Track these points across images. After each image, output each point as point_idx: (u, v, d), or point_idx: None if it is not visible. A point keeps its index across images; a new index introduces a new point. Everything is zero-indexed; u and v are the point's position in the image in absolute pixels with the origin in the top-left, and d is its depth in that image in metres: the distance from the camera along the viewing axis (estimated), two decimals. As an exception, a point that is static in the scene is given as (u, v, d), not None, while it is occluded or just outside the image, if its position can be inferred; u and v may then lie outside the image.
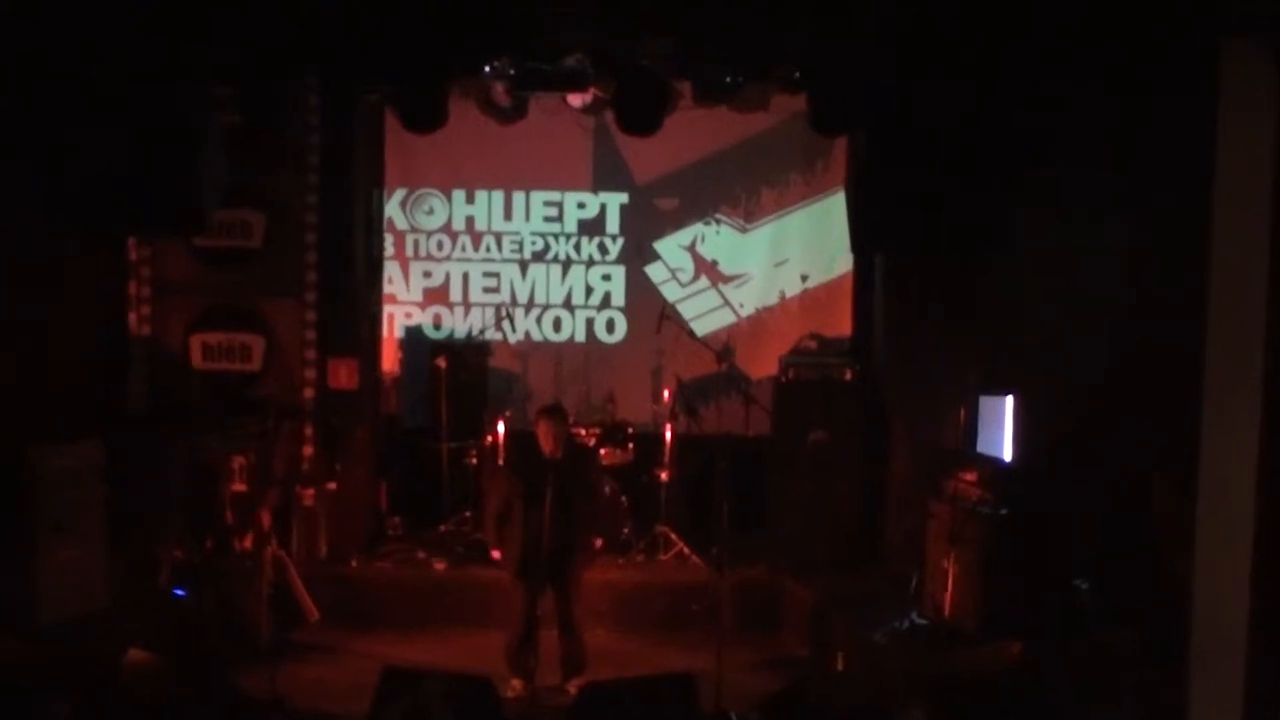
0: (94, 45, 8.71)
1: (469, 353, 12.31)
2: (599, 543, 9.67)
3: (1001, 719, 7.49)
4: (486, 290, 12.86)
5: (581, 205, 12.84)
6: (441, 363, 11.80)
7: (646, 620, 10.80)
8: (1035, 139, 9.04)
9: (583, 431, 11.44)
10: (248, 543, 10.73)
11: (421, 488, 12.03)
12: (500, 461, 11.27)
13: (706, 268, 12.81)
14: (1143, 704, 7.36)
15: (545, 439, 9.20)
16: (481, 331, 12.47)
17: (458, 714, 7.52)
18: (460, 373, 11.97)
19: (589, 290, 12.88)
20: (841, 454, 11.42)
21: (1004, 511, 9.12)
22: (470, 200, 12.83)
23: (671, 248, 12.85)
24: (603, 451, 11.44)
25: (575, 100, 11.35)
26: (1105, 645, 7.95)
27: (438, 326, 12.81)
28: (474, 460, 11.62)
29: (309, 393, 11.36)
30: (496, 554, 9.56)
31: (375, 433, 11.97)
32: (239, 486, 11.00)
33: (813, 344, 12.30)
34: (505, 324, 12.47)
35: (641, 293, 12.81)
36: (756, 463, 11.31)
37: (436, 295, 12.83)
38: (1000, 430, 9.64)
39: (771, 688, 8.80)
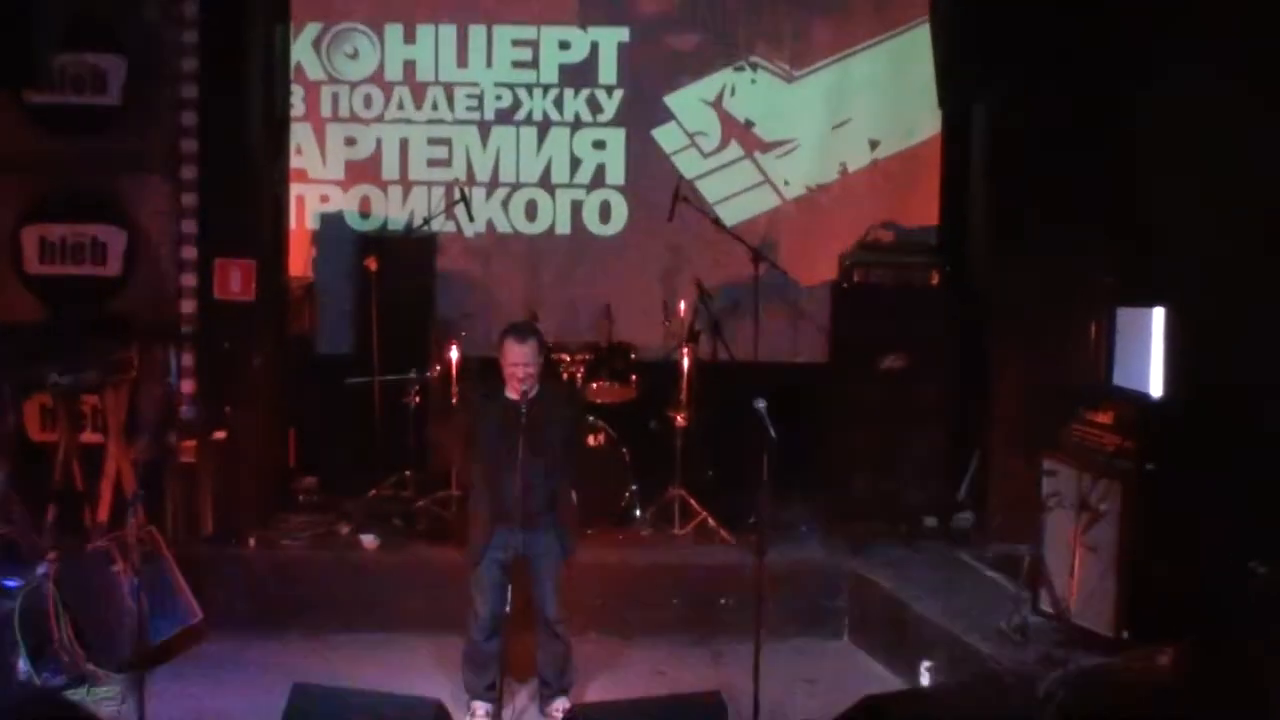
0: None
1: (410, 250, 12.30)
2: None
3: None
4: (433, 163, 12.87)
5: (564, 45, 12.81)
6: (371, 264, 11.74)
7: (657, 618, 10.76)
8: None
9: (566, 358, 11.48)
10: (103, 514, 10.70)
11: (344, 437, 12.02)
12: (454, 402, 11.21)
13: (738, 131, 12.80)
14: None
15: (514, 370, 9.04)
16: (426, 221, 12.32)
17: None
18: (398, 278, 11.94)
19: (575, 163, 12.88)
20: (925, 388, 11.44)
21: (1151, 467, 9.05)
22: (410, 38, 12.80)
23: (690, 103, 12.82)
24: (594, 386, 11.47)
25: (553, -102, 11.27)
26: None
27: (365, 215, 12.86)
28: (417, 399, 11.58)
29: (188, 307, 11.31)
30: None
31: (281, 361, 11.95)
32: (92, 437, 11.03)
33: (887, 236, 12.27)
34: (460, 210, 12.40)
35: (648, 166, 12.80)
36: (808, 401, 11.27)
37: (363, 171, 12.84)
38: (1146, 355, 9.59)
39: (830, 711, 8.64)
